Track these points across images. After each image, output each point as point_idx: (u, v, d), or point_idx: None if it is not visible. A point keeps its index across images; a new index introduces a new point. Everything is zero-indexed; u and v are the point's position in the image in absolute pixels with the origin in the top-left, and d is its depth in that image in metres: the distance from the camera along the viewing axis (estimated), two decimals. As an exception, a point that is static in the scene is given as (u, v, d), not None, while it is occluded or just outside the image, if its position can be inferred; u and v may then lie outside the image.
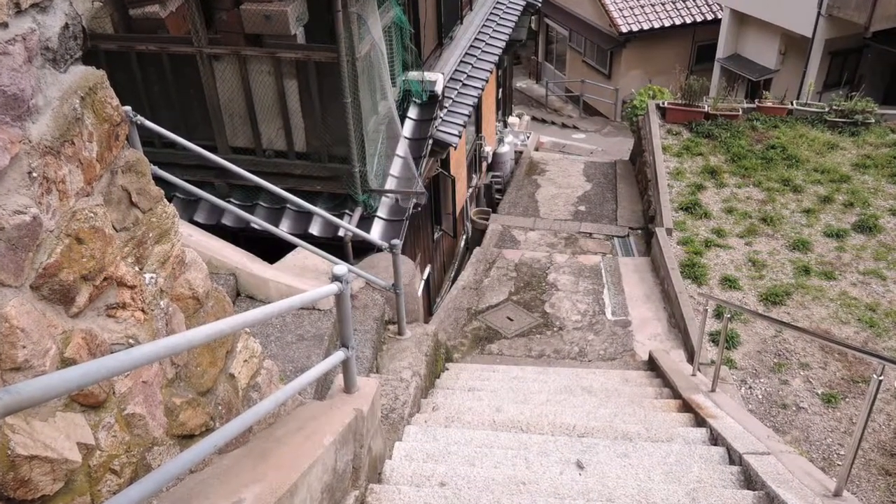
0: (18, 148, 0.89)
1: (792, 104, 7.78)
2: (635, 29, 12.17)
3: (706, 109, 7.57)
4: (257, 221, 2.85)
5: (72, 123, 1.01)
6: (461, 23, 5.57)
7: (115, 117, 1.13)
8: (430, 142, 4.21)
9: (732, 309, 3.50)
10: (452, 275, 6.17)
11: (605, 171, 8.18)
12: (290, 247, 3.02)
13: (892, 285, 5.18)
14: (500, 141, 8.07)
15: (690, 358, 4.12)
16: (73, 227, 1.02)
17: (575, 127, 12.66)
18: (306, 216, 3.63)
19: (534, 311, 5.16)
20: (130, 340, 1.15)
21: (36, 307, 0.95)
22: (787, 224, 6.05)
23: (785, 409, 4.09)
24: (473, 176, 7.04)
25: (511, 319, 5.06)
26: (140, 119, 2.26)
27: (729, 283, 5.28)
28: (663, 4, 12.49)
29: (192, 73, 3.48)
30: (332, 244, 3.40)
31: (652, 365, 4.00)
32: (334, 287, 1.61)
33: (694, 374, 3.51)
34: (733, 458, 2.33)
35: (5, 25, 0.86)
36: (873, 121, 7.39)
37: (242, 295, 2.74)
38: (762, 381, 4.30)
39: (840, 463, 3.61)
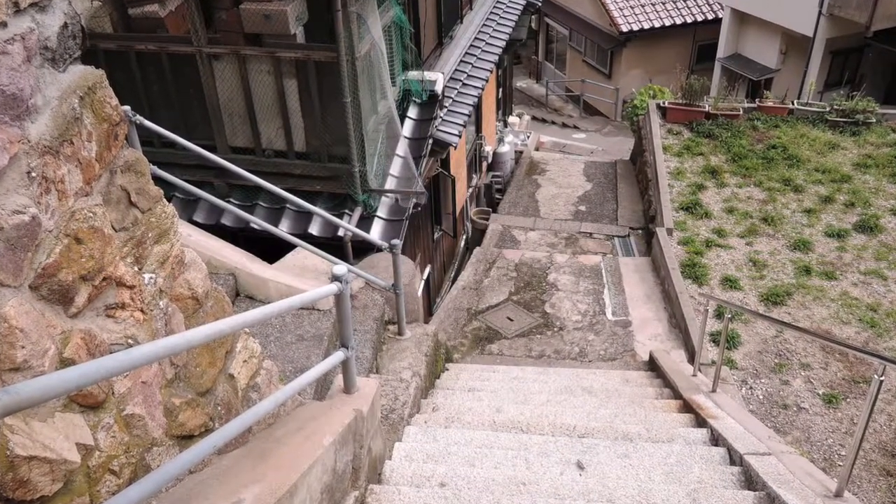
0: (17, 148, 0.89)
1: (793, 104, 7.77)
2: (636, 28, 12.16)
3: (707, 109, 7.56)
4: (257, 221, 2.85)
5: (71, 123, 1.00)
6: (461, 22, 5.56)
7: (114, 117, 1.13)
8: (430, 141, 4.21)
9: (733, 309, 3.49)
10: (452, 275, 6.16)
11: (606, 171, 8.17)
12: (290, 247, 3.02)
13: (893, 285, 5.17)
14: (501, 140, 8.06)
15: (691, 358, 4.12)
16: (73, 227, 1.02)
17: (575, 126, 12.65)
18: (306, 216, 3.62)
19: (534, 312, 5.16)
20: (129, 341, 1.15)
21: (35, 307, 0.95)
22: (788, 224, 6.04)
23: (786, 410, 4.08)
24: (473, 176, 7.03)
25: (511, 319, 5.05)
26: (139, 119, 2.25)
27: (730, 283, 5.27)
28: (664, 4, 12.48)
29: (191, 72, 3.48)
30: (331, 244, 3.40)
31: (652, 365, 3.99)
32: (334, 287, 1.61)
33: (694, 375, 3.50)
34: (734, 458, 2.33)
35: (4, 25, 0.86)
36: (874, 120, 7.38)
37: (242, 295, 2.74)
38: (763, 381, 4.30)
39: (841, 463, 3.60)
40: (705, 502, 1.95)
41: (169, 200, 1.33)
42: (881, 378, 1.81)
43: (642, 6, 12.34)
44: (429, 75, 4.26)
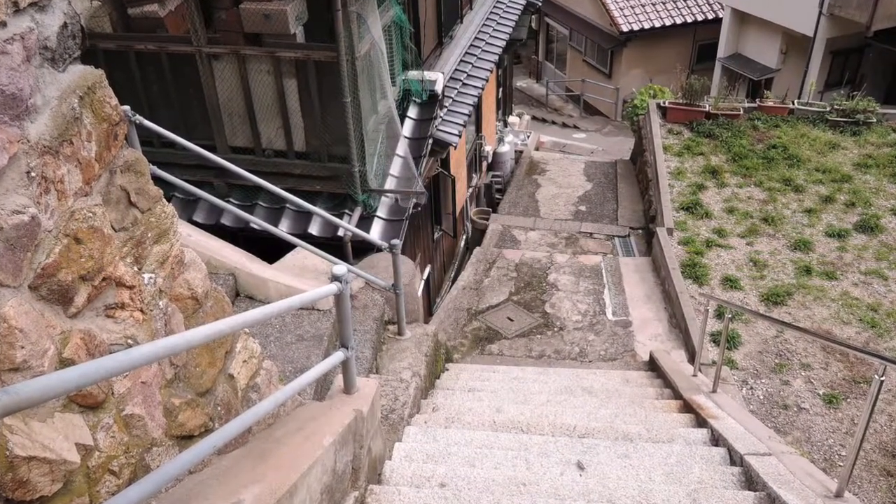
0: (17, 147, 0.89)
1: (793, 104, 7.76)
2: (636, 28, 12.15)
3: (707, 109, 7.56)
4: (256, 221, 2.84)
5: (70, 123, 1.00)
6: (461, 22, 5.56)
7: (113, 117, 1.13)
8: (430, 141, 4.20)
9: (733, 309, 3.49)
10: (452, 275, 6.16)
11: (606, 171, 8.17)
12: (290, 247, 3.02)
13: (894, 285, 5.17)
14: (501, 140, 8.06)
15: (691, 358, 4.12)
16: (72, 227, 1.02)
17: (575, 126, 12.64)
18: (306, 216, 3.62)
19: (534, 312, 5.16)
20: (129, 341, 1.15)
21: (34, 307, 0.95)
22: (789, 224, 6.04)
23: (786, 410, 4.08)
24: (473, 175, 7.03)
25: (511, 320, 5.05)
26: (139, 118, 2.25)
27: (730, 283, 5.27)
28: (664, 3, 12.48)
29: (191, 72, 3.48)
30: (331, 244, 3.40)
31: (653, 365, 3.99)
32: (334, 287, 1.61)
33: (695, 375, 3.50)
34: (734, 458, 2.33)
35: (3, 24, 0.86)
36: (875, 120, 7.38)
37: (242, 295, 2.74)
38: (763, 381, 4.29)
39: (841, 464, 3.60)
40: (706, 502, 1.95)
41: (168, 200, 1.33)
42: (882, 378, 1.81)
43: (642, 6, 12.34)
44: (429, 75, 4.26)
